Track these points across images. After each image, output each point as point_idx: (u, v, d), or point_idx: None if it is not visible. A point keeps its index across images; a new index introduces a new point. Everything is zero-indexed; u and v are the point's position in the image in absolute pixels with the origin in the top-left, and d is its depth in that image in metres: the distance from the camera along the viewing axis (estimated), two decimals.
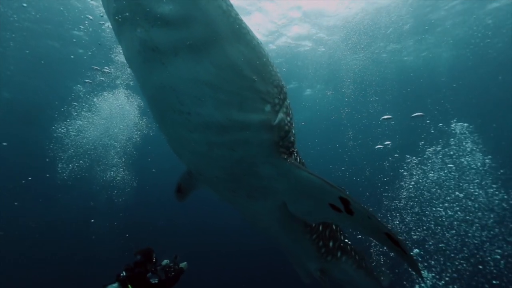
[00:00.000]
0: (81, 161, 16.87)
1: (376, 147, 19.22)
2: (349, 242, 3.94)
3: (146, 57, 1.70)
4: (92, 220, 21.03)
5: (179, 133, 2.08)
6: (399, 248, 2.23)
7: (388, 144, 19.20)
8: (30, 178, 21.49)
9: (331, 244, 3.52)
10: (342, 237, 3.79)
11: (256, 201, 2.68)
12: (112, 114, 15.22)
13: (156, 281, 3.95)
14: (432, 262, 9.97)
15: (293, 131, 2.39)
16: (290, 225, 2.98)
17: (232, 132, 1.96)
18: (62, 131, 15.67)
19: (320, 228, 3.31)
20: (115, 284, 3.84)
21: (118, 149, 17.45)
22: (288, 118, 2.25)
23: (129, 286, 3.81)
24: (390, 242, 2.23)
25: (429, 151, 14.22)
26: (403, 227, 11.60)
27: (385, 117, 18.21)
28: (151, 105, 2.08)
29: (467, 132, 13.35)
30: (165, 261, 4.22)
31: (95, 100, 14.90)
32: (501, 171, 12.24)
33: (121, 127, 15.91)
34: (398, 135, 21.07)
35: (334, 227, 3.63)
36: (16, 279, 15.83)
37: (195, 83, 1.73)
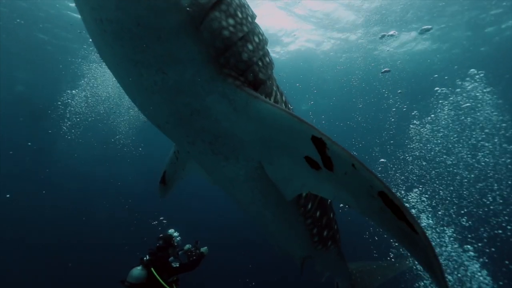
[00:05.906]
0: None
1: (382, 72, 18.11)
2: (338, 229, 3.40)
3: None
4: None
5: (105, 52, 1.68)
6: (403, 221, 1.54)
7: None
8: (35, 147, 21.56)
9: (325, 233, 2.98)
10: (335, 226, 3.22)
11: (226, 160, 2.14)
12: None
13: (178, 265, 4.09)
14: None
15: (251, 47, 1.73)
16: (277, 199, 2.33)
17: (150, 43, 1.51)
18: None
19: (318, 214, 2.79)
20: (139, 267, 4.00)
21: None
22: (232, 21, 1.62)
23: (152, 269, 3.95)
24: (389, 211, 1.58)
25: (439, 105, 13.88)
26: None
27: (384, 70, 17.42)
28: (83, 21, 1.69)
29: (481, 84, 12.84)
30: (187, 246, 4.35)
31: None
32: None
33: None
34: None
35: (331, 215, 3.06)
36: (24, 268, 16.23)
37: None
